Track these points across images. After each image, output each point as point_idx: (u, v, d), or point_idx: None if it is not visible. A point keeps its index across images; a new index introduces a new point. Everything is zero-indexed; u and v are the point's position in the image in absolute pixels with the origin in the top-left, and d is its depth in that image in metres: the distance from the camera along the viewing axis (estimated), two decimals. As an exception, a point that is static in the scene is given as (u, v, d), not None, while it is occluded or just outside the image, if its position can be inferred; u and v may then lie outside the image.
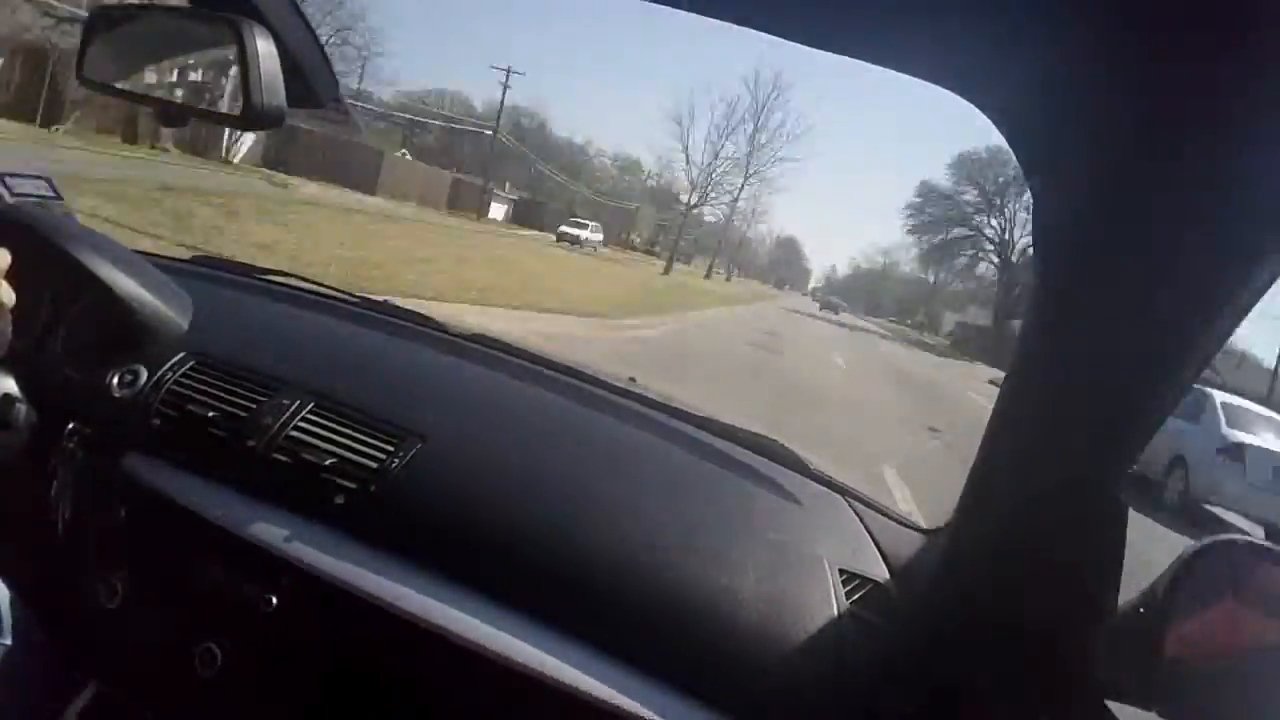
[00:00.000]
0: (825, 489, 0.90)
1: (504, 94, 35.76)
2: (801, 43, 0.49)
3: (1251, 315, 0.47)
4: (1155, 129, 0.41)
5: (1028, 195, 0.50)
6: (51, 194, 0.99)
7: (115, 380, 0.89)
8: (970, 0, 0.41)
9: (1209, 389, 8.20)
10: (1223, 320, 0.45)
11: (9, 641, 0.83)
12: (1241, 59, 0.37)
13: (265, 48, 0.71)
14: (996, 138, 0.51)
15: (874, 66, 0.49)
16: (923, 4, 0.43)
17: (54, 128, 15.08)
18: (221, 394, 0.86)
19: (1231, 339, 0.49)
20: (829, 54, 0.50)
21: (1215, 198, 0.42)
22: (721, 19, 0.51)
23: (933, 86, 0.49)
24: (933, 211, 47.56)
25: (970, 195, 45.41)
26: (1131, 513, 0.55)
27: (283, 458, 0.80)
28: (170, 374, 0.89)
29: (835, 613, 0.71)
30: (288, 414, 0.84)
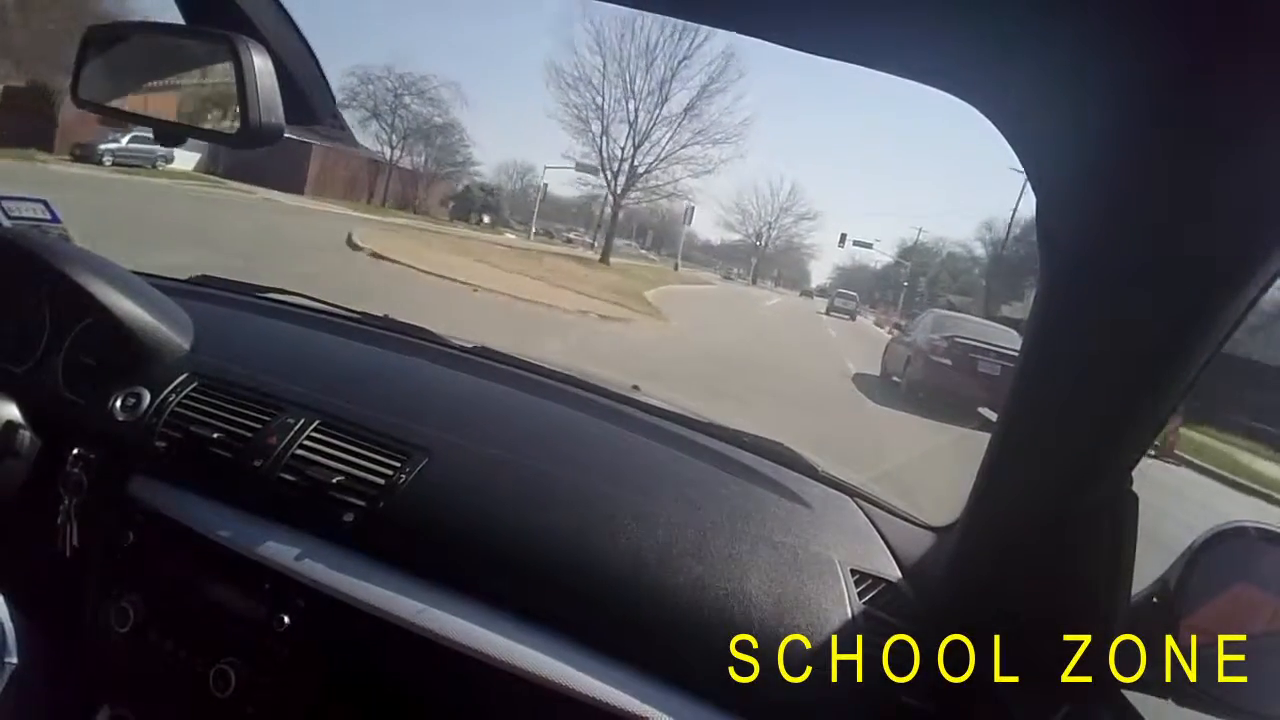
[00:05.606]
0: (834, 490, 0.90)
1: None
2: (800, 49, 0.49)
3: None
4: (1155, 129, 0.42)
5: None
6: (49, 217, 0.99)
7: (118, 403, 0.89)
8: (968, 2, 0.42)
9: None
10: (1224, 317, 0.46)
11: (15, 660, 0.82)
12: (1239, 59, 0.37)
13: (262, 64, 0.71)
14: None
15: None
16: (920, 7, 0.43)
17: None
18: (225, 415, 0.86)
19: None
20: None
21: (1215, 196, 0.42)
22: (721, 27, 0.51)
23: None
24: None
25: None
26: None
27: (289, 477, 0.80)
28: (173, 396, 0.89)
29: (849, 613, 0.71)
30: (293, 433, 0.83)
